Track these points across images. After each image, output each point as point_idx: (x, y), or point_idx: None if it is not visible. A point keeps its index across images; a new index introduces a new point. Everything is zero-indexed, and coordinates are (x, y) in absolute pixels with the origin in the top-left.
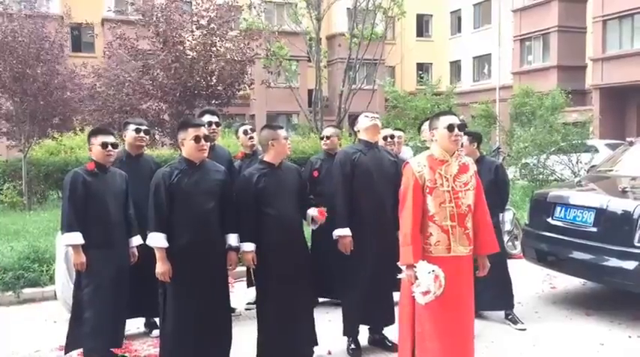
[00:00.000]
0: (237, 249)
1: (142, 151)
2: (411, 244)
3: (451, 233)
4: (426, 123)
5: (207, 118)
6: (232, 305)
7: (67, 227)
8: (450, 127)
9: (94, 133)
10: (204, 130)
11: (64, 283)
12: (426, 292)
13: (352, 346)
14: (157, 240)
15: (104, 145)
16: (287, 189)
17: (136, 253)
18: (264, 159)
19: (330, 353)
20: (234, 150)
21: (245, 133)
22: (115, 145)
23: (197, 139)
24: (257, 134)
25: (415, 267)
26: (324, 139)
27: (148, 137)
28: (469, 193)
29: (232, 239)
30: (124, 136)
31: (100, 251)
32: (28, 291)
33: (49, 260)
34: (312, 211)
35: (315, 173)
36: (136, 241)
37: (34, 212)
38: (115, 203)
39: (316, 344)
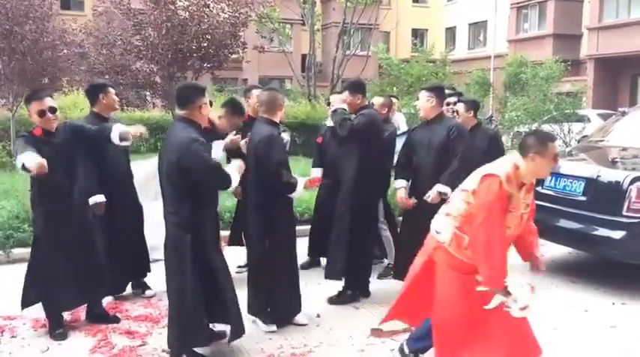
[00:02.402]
0: None
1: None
2: (503, 271)
3: None
4: (424, 91)
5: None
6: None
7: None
8: (555, 158)
9: (27, 100)
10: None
11: None
12: (525, 307)
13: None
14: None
15: (41, 113)
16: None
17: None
18: (274, 119)
19: (318, 316)
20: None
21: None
22: (53, 110)
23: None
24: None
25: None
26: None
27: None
28: (526, 215)
29: None
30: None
31: (55, 213)
32: (17, 251)
33: None
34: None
35: (319, 139)
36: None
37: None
38: (68, 166)
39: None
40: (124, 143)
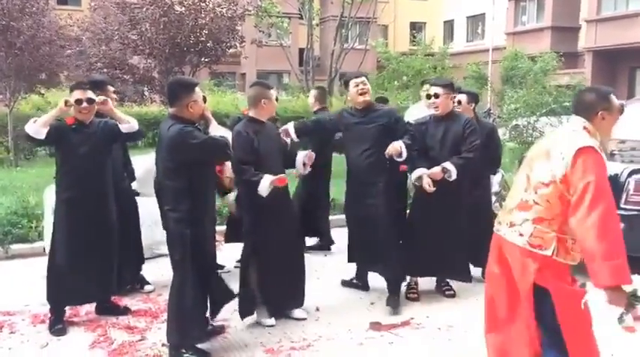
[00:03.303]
0: None
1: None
2: (623, 259)
3: None
4: (440, 88)
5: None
6: (221, 263)
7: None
8: (622, 110)
9: (71, 89)
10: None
11: None
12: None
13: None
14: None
15: (78, 102)
16: (274, 146)
17: None
18: (252, 116)
19: (318, 309)
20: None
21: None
22: (90, 101)
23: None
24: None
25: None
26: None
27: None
28: None
29: None
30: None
31: (77, 201)
32: (16, 247)
33: (38, 216)
34: (302, 156)
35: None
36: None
37: (22, 168)
38: (95, 157)
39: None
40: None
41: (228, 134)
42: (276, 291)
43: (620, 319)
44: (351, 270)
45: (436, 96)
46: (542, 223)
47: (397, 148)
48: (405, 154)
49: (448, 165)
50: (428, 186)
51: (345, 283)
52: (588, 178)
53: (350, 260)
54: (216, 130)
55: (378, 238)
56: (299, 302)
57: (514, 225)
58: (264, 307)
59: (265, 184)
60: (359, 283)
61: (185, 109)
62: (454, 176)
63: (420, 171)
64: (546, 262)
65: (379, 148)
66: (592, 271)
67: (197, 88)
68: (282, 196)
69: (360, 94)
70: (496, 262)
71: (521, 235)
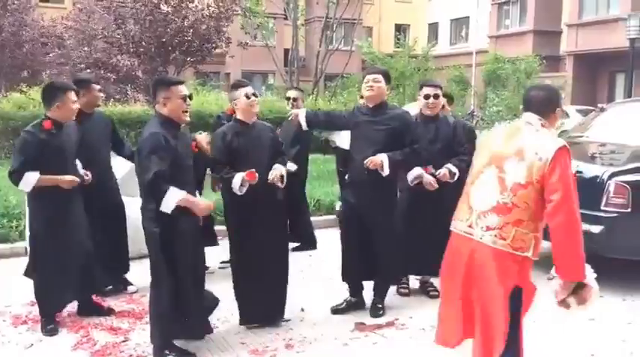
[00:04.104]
0: None
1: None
2: (584, 256)
3: None
4: (435, 88)
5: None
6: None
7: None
8: None
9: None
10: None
11: None
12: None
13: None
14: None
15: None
16: (260, 147)
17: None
18: (238, 117)
19: (302, 310)
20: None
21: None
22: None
23: (184, 98)
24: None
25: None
26: (291, 100)
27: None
28: None
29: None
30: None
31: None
32: None
33: (19, 216)
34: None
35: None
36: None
37: (2, 167)
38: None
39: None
40: None
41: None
42: (252, 298)
43: (550, 278)
44: (335, 272)
45: (436, 97)
46: (522, 224)
47: (378, 161)
48: (387, 170)
49: (453, 168)
50: (430, 184)
51: (338, 311)
52: (564, 179)
53: (345, 278)
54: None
55: (378, 249)
56: (278, 310)
57: (491, 228)
58: (240, 315)
59: (237, 181)
60: (352, 300)
61: (161, 105)
62: (457, 174)
63: (417, 170)
64: (525, 262)
65: (387, 152)
66: (560, 265)
67: (175, 87)
68: (267, 199)
69: (367, 90)
70: (464, 264)
71: (502, 238)
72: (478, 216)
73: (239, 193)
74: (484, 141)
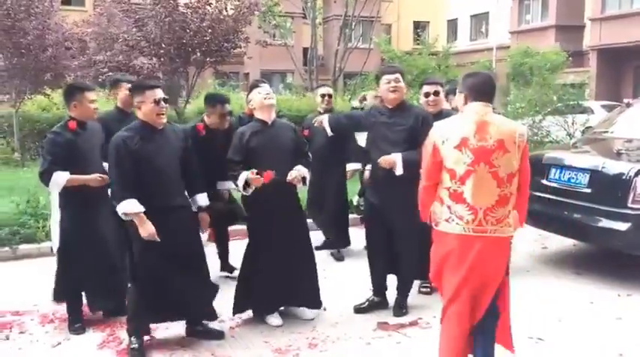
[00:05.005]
0: (206, 208)
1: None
2: None
3: None
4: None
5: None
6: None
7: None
8: None
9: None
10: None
11: None
12: None
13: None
14: (133, 205)
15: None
16: (279, 147)
17: None
18: (255, 115)
19: (325, 309)
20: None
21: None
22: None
23: (157, 102)
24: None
25: None
26: (326, 97)
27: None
28: None
29: (202, 199)
30: (115, 94)
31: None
32: (24, 247)
33: (46, 216)
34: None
35: (306, 132)
36: None
37: (28, 169)
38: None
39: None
40: None
41: None
42: (278, 290)
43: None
44: (358, 271)
45: (436, 94)
46: (513, 205)
47: (391, 160)
48: (400, 170)
49: None
50: None
51: (360, 310)
52: (526, 158)
53: (372, 276)
54: None
55: (399, 247)
56: (312, 302)
57: (501, 220)
58: (263, 307)
59: (241, 180)
60: (375, 300)
61: (137, 110)
62: None
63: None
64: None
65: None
66: (520, 220)
67: (149, 91)
68: (285, 196)
69: (391, 92)
70: (470, 261)
71: (509, 225)
72: (485, 213)
73: (245, 193)
74: (438, 137)
